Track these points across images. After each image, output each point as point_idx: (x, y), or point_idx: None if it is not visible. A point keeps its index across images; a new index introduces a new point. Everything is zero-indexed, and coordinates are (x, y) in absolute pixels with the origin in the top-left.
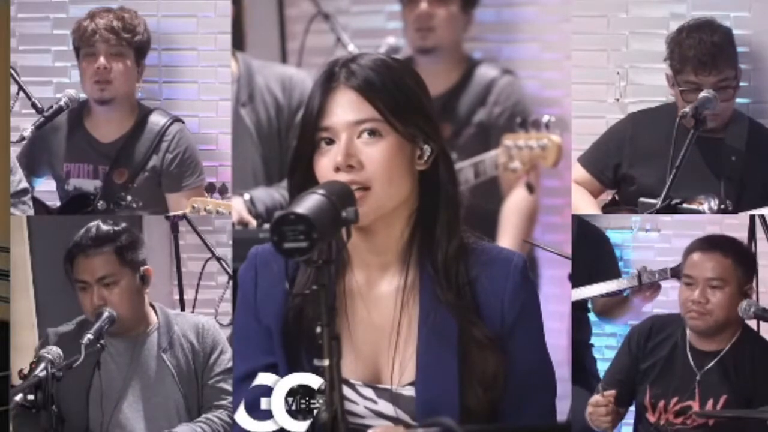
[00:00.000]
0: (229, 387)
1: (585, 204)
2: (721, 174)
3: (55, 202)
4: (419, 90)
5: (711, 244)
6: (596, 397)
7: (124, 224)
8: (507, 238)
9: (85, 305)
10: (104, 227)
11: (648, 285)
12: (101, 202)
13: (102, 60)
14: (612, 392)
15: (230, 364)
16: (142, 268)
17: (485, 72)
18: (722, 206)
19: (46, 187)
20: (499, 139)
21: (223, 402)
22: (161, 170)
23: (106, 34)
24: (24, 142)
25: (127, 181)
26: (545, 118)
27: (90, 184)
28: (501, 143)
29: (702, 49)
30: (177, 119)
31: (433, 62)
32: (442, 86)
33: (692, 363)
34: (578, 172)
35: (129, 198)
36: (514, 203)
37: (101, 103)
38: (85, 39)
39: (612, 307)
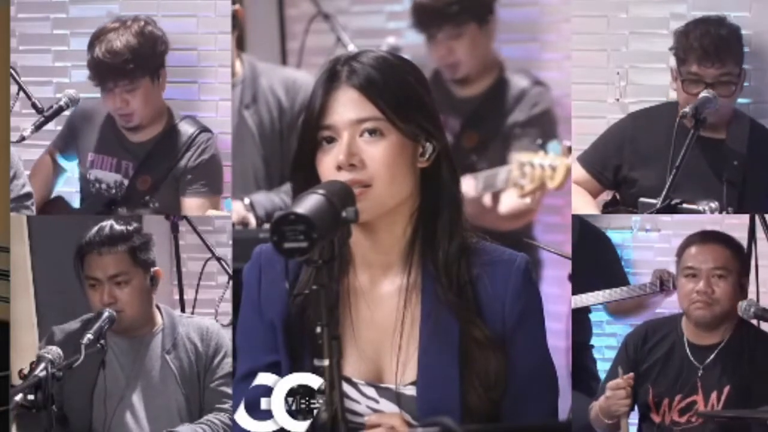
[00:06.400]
0: (230, 390)
1: (584, 205)
2: (722, 178)
3: (72, 199)
4: (421, 87)
5: (708, 237)
6: (616, 381)
7: (136, 224)
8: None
9: (95, 302)
10: (118, 227)
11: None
12: (123, 208)
13: (119, 101)
14: (631, 375)
15: (232, 368)
16: (152, 269)
17: (516, 82)
18: (724, 213)
19: (66, 188)
20: (533, 145)
21: (225, 405)
22: (182, 175)
23: (120, 81)
24: (24, 141)
25: (149, 189)
26: (566, 143)
27: (111, 177)
28: (516, 159)
29: (707, 41)
30: (205, 129)
31: (466, 83)
32: (473, 90)
33: (692, 359)
34: (577, 171)
35: (147, 198)
36: (513, 199)
37: (129, 129)
38: (99, 76)
39: (629, 307)
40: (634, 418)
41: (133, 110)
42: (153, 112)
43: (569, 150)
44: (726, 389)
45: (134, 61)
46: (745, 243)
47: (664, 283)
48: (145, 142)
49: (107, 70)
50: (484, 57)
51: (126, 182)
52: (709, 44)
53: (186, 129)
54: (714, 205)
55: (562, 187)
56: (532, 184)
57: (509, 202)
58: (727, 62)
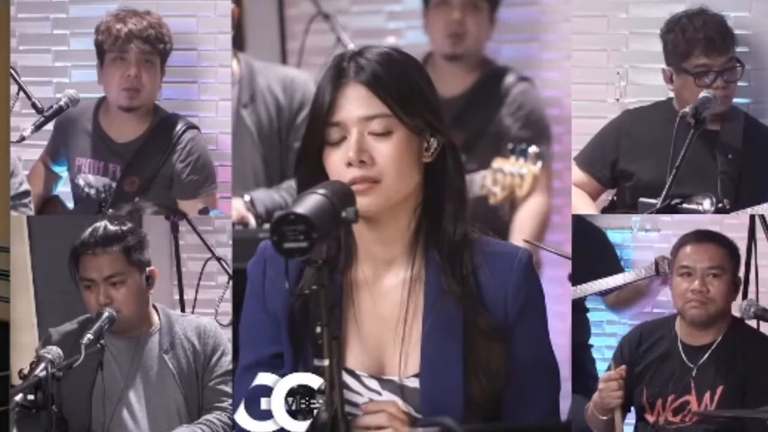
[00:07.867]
0: (229, 389)
1: (583, 207)
2: (717, 171)
3: (66, 200)
4: (424, 83)
5: (703, 236)
6: (608, 373)
7: (130, 224)
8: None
9: (91, 304)
10: (112, 227)
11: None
12: (110, 210)
13: (134, 70)
14: (623, 367)
15: (231, 366)
16: (147, 269)
17: (500, 79)
18: (719, 205)
19: (64, 188)
20: (504, 150)
21: (224, 404)
22: (173, 177)
23: (141, 45)
24: (24, 141)
25: (137, 190)
26: (532, 149)
27: (99, 181)
28: (490, 165)
29: (710, 29)
30: (191, 126)
31: (456, 67)
32: (457, 88)
33: (686, 359)
34: (575, 173)
35: (137, 199)
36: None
37: (127, 110)
38: (117, 44)
39: (629, 296)
40: (631, 419)
41: (142, 86)
42: (152, 98)
43: (537, 156)
44: (719, 389)
45: (157, 37)
46: (744, 243)
47: (659, 266)
48: (131, 143)
49: (129, 38)
50: (482, 46)
51: (114, 185)
52: (714, 34)
53: (171, 126)
54: (709, 201)
55: (530, 195)
56: (503, 192)
57: None
58: (730, 48)
